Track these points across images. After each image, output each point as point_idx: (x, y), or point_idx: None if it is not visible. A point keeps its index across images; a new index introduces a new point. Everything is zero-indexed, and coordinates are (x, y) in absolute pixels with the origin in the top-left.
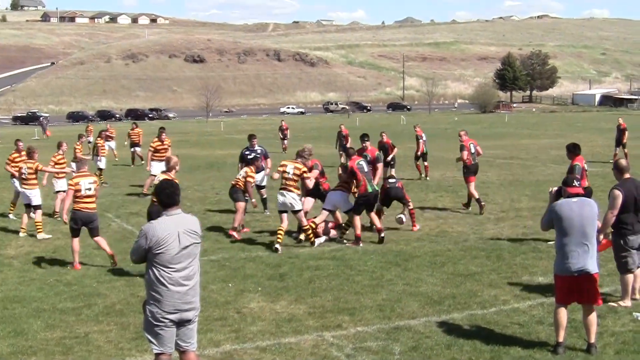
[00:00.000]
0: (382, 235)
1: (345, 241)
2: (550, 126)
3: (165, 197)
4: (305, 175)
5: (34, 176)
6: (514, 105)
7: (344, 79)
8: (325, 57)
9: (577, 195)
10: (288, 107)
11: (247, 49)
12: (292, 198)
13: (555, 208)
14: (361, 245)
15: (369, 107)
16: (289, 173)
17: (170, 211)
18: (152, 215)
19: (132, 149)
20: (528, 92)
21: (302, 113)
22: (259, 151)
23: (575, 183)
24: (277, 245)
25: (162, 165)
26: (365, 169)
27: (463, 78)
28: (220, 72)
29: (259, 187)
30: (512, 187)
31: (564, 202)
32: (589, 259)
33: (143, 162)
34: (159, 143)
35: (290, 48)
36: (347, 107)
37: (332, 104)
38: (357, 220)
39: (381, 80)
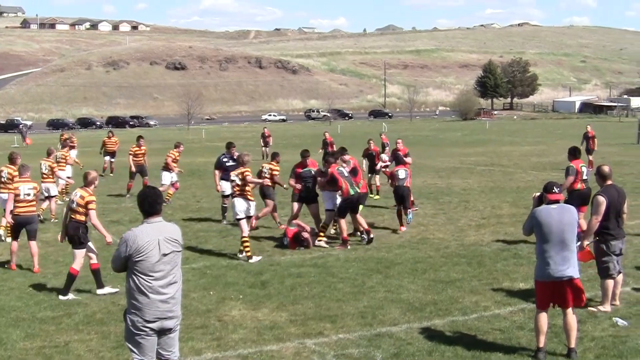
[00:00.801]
0: (372, 236)
1: (324, 245)
2: (531, 133)
3: (148, 205)
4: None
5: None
6: (495, 112)
7: (325, 87)
8: (307, 64)
9: (557, 201)
10: (270, 115)
11: (229, 56)
12: (251, 204)
13: (535, 214)
14: (348, 247)
15: (350, 115)
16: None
17: (151, 219)
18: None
19: (106, 158)
20: (509, 100)
21: (283, 120)
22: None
23: (555, 189)
24: (248, 256)
25: (170, 175)
26: (345, 174)
27: (444, 85)
28: (202, 80)
29: (225, 196)
30: (493, 194)
31: (543, 208)
32: (569, 265)
33: (112, 174)
34: (137, 148)
35: (271, 55)
36: (328, 115)
37: (313, 111)
38: (343, 223)
39: (363, 87)
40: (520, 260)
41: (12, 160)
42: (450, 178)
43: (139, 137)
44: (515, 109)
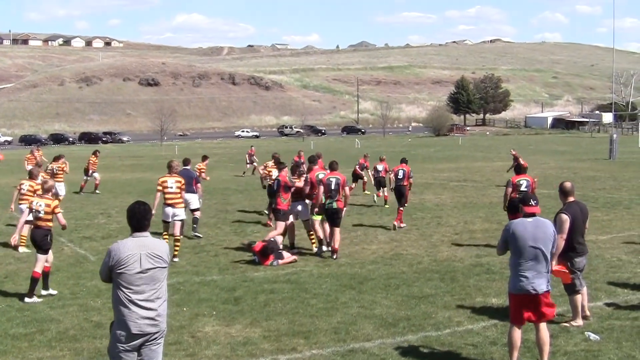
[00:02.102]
0: (323, 249)
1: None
2: (503, 149)
3: (136, 221)
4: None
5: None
6: (468, 128)
7: (298, 103)
8: (280, 80)
9: (533, 214)
10: (243, 131)
11: (202, 73)
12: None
13: (510, 227)
14: (324, 248)
15: (323, 131)
16: (172, 187)
17: (137, 234)
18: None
19: (87, 177)
20: (482, 115)
21: (256, 136)
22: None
23: (532, 202)
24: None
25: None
26: (333, 186)
27: (417, 101)
28: (175, 96)
29: (193, 210)
30: (465, 210)
31: (518, 221)
32: (542, 278)
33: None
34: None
35: (245, 72)
36: (301, 131)
37: (287, 127)
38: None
39: (336, 103)
40: (493, 275)
41: (31, 175)
42: (423, 194)
43: (96, 152)
44: (488, 124)
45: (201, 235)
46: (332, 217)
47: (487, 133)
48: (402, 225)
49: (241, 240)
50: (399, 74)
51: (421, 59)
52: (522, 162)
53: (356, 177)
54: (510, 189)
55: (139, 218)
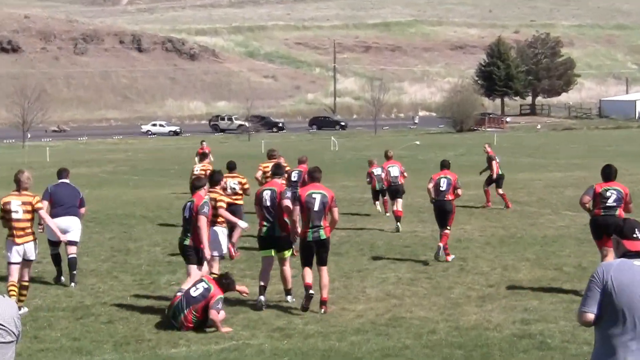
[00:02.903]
0: (323, 311)
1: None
2: (564, 151)
3: None
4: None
5: None
6: (507, 119)
7: (241, 80)
8: (213, 45)
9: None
10: (154, 124)
11: (89, 33)
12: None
13: (604, 273)
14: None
15: (281, 124)
16: (17, 212)
17: None
18: None
19: None
20: (529, 99)
21: (175, 133)
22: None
23: (638, 234)
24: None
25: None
26: (316, 206)
27: (427, 78)
28: (46, 69)
29: (69, 244)
30: (504, 248)
31: (619, 264)
32: None
33: None
34: None
35: (157, 31)
36: (246, 124)
37: (223, 118)
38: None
39: (300, 81)
40: (550, 352)
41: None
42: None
43: None
44: (540, 113)
45: (75, 284)
46: (318, 253)
47: (538, 127)
48: (449, 257)
49: (150, 295)
50: (399, 35)
51: (433, 10)
52: (495, 167)
53: (376, 193)
54: (587, 198)
55: None
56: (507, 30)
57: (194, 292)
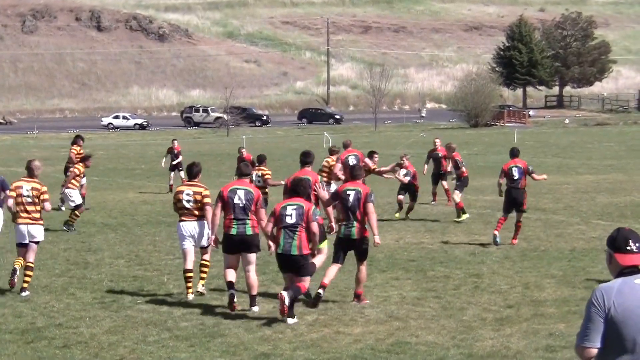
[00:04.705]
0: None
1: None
2: (596, 150)
3: None
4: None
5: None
6: (531, 112)
7: (219, 66)
8: (186, 24)
9: (637, 269)
10: (116, 117)
11: (39, 8)
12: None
13: (604, 302)
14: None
15: (265, 117)
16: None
17: None
18: None
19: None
20: (556, 89)
21: (142, 127)
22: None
23: (632, 246)
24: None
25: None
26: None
27: (437, 64)
28: None
29: None
30: (526, 263)
31: (620, 286)
32: None
33: None
34: None
35: (119, 7)
36: (224, 117)
37: (197, 110)
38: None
39: (288, 67)
40: None
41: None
42: (447, 233)
43: None
44: (569, 106)
45: None
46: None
47: (566, 121)
48: (514, 241)
49: (113, 315)
50: (404, 13)
51: None
52: (444, 164)
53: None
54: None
55: None
56: (530, 9)
57: (290, 219)
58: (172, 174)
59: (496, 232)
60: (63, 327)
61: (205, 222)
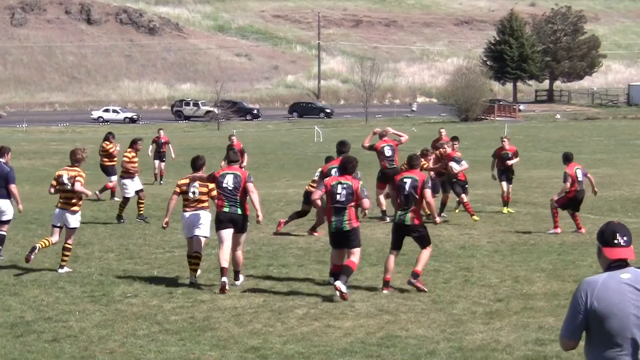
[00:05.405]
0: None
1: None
2: (587, 145)
3: None
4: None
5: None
6: (521, 107)
7: (210, 59)
8: (176, 17)
9: (625, 263)
10: (106, 110)
11: (29, 1)
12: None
13: (587, 290)
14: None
15: (255, 111)
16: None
17: None
18: None
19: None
20: (546, 84)
21: (132, 121)
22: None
23: (620, 239)
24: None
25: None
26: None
27: (428, 58)
28: None
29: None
30: (515, 256)
31: (605, 280)
32: None
33: None
34: None
35: (110, 0)
36: (215, 111)
37: (188, 104)
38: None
39: (278, 61)
40: None
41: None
42: (437, 227)
43: None
44: (559, 101)
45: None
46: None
47: (557, 116)
48: (582, 230)
49: (103, 309)
50: (395, 7)
51: None
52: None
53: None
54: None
55: None
56: (521, 3)
57: (341, 197)
58: (157, 162)
59: (582, 231)
60: (52, 320)
61: (203, 212)
